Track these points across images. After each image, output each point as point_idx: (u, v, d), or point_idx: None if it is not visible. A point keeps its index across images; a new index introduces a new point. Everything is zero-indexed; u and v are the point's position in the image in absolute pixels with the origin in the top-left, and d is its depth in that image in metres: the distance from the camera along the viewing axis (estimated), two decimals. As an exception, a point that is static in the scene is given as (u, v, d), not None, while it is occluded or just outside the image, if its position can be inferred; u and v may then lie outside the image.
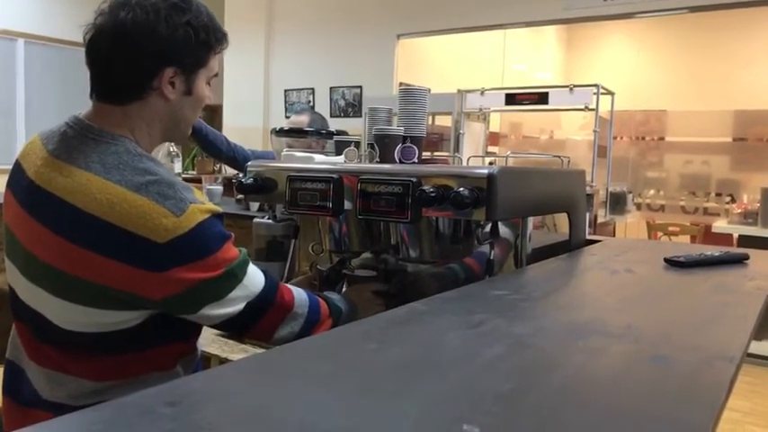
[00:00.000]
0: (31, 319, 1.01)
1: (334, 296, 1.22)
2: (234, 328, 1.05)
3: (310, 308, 1.10)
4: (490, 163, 1.53)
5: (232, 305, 0.99)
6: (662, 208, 6.53)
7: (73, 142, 0.98)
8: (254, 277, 1.02)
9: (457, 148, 4.75)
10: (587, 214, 1.80)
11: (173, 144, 2.52)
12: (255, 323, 1.04)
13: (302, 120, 2.72)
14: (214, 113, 7.53)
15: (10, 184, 1.06)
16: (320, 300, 1.15)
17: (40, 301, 0.98)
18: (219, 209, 0.99)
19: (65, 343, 0.98)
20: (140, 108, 1.01)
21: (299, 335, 1.07)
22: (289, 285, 1.11)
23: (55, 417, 0.89)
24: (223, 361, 1.57)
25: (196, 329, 1.10)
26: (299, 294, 1.10)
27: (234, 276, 0.98)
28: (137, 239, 0.89)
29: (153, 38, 0.96)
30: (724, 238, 4.83)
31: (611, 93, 4.67)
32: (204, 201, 0.98)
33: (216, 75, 1.08)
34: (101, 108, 1.01)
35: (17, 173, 1.05)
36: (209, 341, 1.74)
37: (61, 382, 0.99)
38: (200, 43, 1.01)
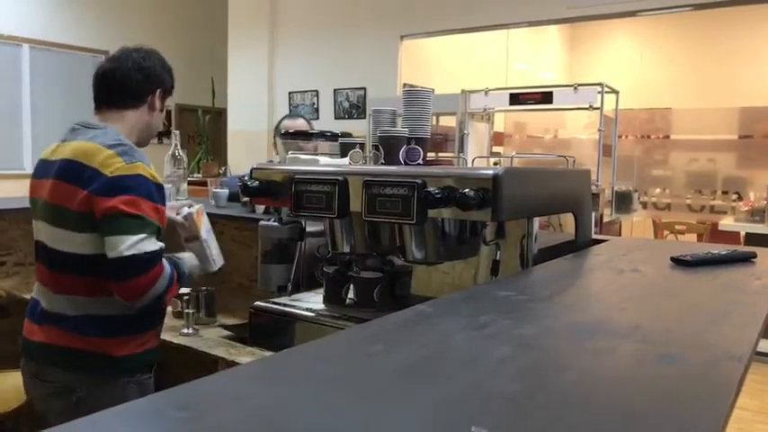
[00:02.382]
0: (45, 254, 1.49)
1: (180, 260, 1.56)
2: (113, 271, 1.37)
3: (169, 281, 1.44)
4: (495, 163, 1.53)
5: (124, 246, 1.35)
6: (668, 206, 6.50)
7: (78, 132, 1.49)
8: (149, 243, 1.38)
9: (461, 149, 4.75)
10: (593, 214, 1.79)
11: (178, 148, 2.52)
12: (127, 279, 1.37)
13: (301, 123, 2.74)
14: (219, 117, 7.55)
15: (34, 175, 1.55)
16: (173, 269, 1.48)
17: (48, 235, 1.46)
18: (161, 181, 1.46)
19: (62, 265, 1.45)
20: (134, 114, 1.55)
21: (154, 300, 1.41)
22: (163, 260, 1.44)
23: (52, 327, 1.48)
24: (230, 364, 1.58)
25: None
26: (167, 268, 1.44)
27: (141, 225, 1.37)
28: (96, 173, 1.38)
29: (153, 71, 1.57)
30: (731, 236, 4.81)
31: (615, 91, 4.66)
32: (154, 171, 1.44)
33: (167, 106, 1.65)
34: (106, 113, 1.54)
35: (37, 164, 1.55)
36: (216, 344, 1.75)
37: (59, 299, 1.46)
38: (171, 79, 1.62)
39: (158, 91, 1.56)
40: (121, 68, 1.53)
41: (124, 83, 1.53)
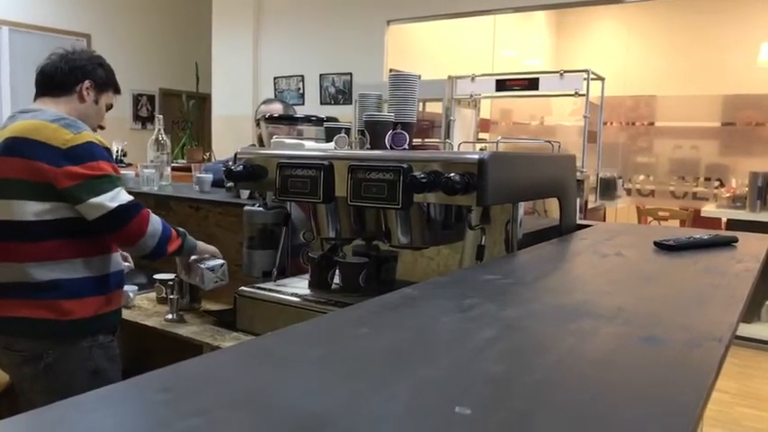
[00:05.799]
0: None
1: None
2: (109, 224, 1.55)
3: (164, 226, 1.63)
4: (481, 149, 1.53)
5: (108, 201, 1.53)
6: (651, 193, 6.55)
7: (15, 117, 1.64)
8: (125, 194, 1.57)
9: (448, 135, 4.74)
10: (578, 199, 1.80)
11: (162, 133, 2.50)
12: (124, 225, 1.56)
13: (276, 108, 2.73)
14: (203, 102, 7.47)
15: None
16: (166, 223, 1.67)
17: None
18: (106, 143, 1.62)
19: (11, 235, 1.55)
20: (65, 101, 1.69)
21: (159, 241, 1.60)
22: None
23: (5, 301, 1.59)
24: (215, 349, 1.58)
25: (96, 230, 1.58)
26: (155, 217, 1.62)
27: (111, 182, 1.56)
28: (49, 147, 1.52)
29: (78, 64, 1.71)
30: (713, 223, 4.87)
31: (601, 78, 4.67)
32: (98, 137, 1.61)
33: (111, 107, 1.80)
34: (40, 99, 1.70)
35: None
36: (201, 330, 1.74)
37: (10, 268, 1.56)
38: (107, 77, 1.76)
39: (87, 81, 1.71)
40: (51, 62, 1.72)
41: (51, 73, 1.71)
